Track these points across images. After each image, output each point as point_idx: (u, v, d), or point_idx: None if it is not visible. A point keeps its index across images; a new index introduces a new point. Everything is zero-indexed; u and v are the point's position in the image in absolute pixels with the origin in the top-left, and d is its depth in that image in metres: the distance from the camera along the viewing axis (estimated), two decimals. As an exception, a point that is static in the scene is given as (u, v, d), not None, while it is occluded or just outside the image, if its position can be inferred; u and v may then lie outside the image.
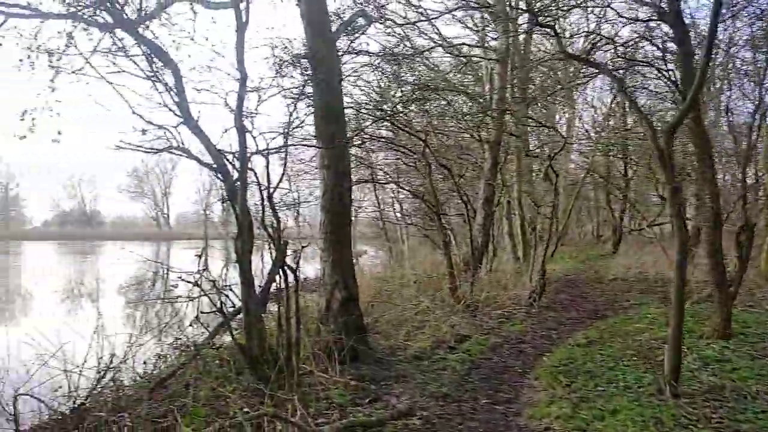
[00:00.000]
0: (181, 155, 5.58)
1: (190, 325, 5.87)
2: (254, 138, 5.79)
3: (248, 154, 5.57)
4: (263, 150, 5.87)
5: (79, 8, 6.99)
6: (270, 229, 6.01)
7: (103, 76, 5.69)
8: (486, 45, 14.80)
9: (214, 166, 5.58)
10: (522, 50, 16.33)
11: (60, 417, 5.04)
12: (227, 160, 5.59)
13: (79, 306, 16.89)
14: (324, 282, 7.25)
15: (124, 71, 5.62)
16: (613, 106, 19.51)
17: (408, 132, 11.32)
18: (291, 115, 6.30)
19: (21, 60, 7.88)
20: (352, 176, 7.87)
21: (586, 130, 19.95)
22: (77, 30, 7.10)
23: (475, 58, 14.83)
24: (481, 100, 14.21)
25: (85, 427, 4.58)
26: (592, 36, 10.39)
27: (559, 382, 5.93)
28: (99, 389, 5.33)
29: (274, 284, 6.23)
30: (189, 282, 5.62)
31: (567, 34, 13.83)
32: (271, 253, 6.19)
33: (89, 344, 5.70)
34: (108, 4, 5.99)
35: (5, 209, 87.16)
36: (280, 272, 6.14)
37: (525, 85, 14.75)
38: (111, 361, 5.41)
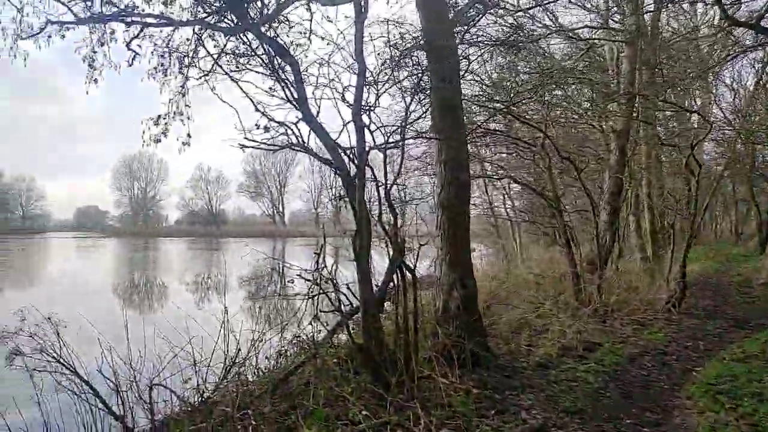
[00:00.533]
0: (300, 152, 5.53)
1: (309, 323, 5.82)
2: (371, 133, 5.61)
3: (366, 150, 5.37)
4: (381, 145, 5.67)
5: (206, 14, 7.33)
6: (387, 227, 5.79)
7: (230, 75, 5.79)
8: (610, 27, 13.60)
9: (332, 162, 5.46)
10: (649, 31, 14.83)
11: (189, 409, 5.20)
12: (346, 155, 5.46)
13: (206, 298, 18.13)
14: (440, 281, 6.92)
15: (249, 69, 5.69)
16: (758, 88, 17.22)
17: (528, 123, 10.64)
18: (408, 108, 6.04)
19: (155, 67, 8.42)
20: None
21: (726, 117, 17.73)
22: (205, 34, 7.46)
23: (598, 42, 13.67)
24: (601, 88, 13.06)
25: (212, 422, 4.65)
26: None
27: (720, 404, 5.09)
28: (225, 384, 5.43)
29: (391, 283, 6.00)
30: (307, 280, 5.56)
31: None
32: (387, 251, 5.97)
33: (216, 338, 5.86)
34: (235, 7, 6.12)
35: (144, 209, 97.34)
36: (398, 271, 5.92)
37: (656, 67, 13.31)
38: (236, 357, 5.50)
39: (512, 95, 10.70)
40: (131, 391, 5.29)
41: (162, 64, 8.88)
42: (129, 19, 7.38)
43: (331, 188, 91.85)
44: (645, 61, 12.07)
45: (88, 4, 7.30)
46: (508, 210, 21.03)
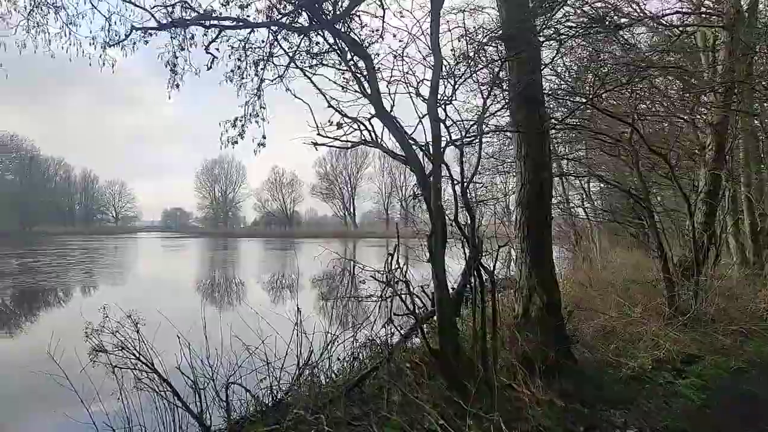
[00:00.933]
0: (374, 148, 5.37)
1: (383, 326, 5.64)
2: (447, 128, 5.33)
3: (442, 145, 5.12)
4: (457, 140, 5.40)
5: (280, 15, 7.40)
6: (463, 227, 5.51)
7: (304, 72, 5.74)
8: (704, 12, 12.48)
9: (406, 158, 5.25)
10: (746, 15, 13.49)
11: (263, 409, 5.17)
12: (421, 150, 5.23)
13: (280, 297, 18.54)
14: (520, 285, 6.53)
15: (324, 64, 5.61)
16: None
17: (615, 117, 9.91)
18: (485, 101, 5.71)
19: (232, 70, 8.61)
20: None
21: None
22: (280, 35, 7.55)
23: (690, 29, 12.59)
24: (695, 77, 12.00)
25: (286, 424, 4.57)
26: None
27: None
28: (297, 385, 5.37)
29: (467, 286, 5.71)
30: (380, 281, 5.38)
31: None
32: (464, 253, 5.68)
33: (289, 338, 5.82)
34: (310, 6, 6.08)
35: (224, 211, 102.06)
36: (474, 273, 5.61)
37: (757, 53, 12.03)
38: (308, 358, 5.42)
39: (595, 88, 10.02)
40: (209, 389, 5.36)
41: (239, 67, 9.09)
42: (207, 23, 7.57)
43: (401, 188, 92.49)
44: (745, 47, 10.94)
45: (170, 9, 7.56)
46: (587, 210, 19.98)
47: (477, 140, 5.59)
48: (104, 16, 7.95)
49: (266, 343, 5.98)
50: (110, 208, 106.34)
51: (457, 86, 5.40)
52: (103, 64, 8.01)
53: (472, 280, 5.62)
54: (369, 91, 5.15)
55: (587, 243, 20.28)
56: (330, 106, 5.31)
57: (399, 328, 5.66)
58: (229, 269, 31.46)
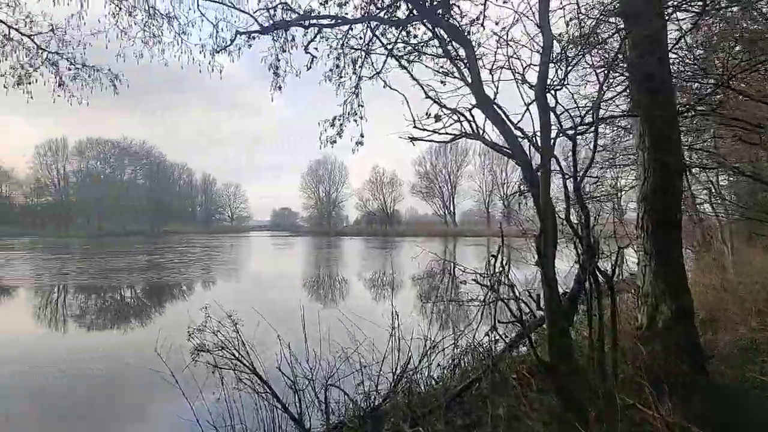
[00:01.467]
0: (476, 140, 4.98)
1: (486, 334, 5.23)
2: (558, 116, 4.80)
3: (552, 137, 4.61)
4: (569, 128, 4.84)
5: (378, 10, 7.29)
6: (576, 225, 4.94)
7: (401, 63, 5.50)
8: None
9: (511, 151, 4.80)
10: None
11: (362, 414, 5.00)
12: (529, 142, 4.76)
13: (381, 296, 18.57)
14: (643, 291, 5.80)
15: (422, 53, 5.34)
16: None
17: (758, 100, 8.61)
18: (602, 86, 5.08)
19: (331, 69, 8.66)
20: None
21: None
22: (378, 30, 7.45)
23: None
24: None
25: (383, 433, 4.35)
26: None
27: None
28: (395, 393, 5.13)
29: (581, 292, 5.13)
30: (484, 285, 4.98)
31: None
32: (577, 254, 5.11)
33: (387, 342, 5.61)
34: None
35: (328, 210, 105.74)
36: (590, 278, 5.03)
37: None
38: (407, 364, 5.16)
39: (729, 68, 8.78)
40: (307, 390, 5.30)
41: (337, 66, 9.12)
42: (307, 23, 7.65)
43: (503, 185, 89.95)
44: None
45: (272, 12, 7.72)
46: (715, 206, 17.86)
47: (592, 129, 4.99)
48: (212, 23, 8.31)
49: (364, 345, 5.86)
50: (226, 209, 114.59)
51: (569, 69, 4.84)
52: (212, 69, 8.42)
53: (587, 285, 5.03)
54: (470, 79, 4.77)
55: (717, 243, 18.17)
56: (428, 96, 5.00)
57: (503, 336, 5.22)
58: (332, 267, 32.34)
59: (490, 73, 4.90)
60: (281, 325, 6.00)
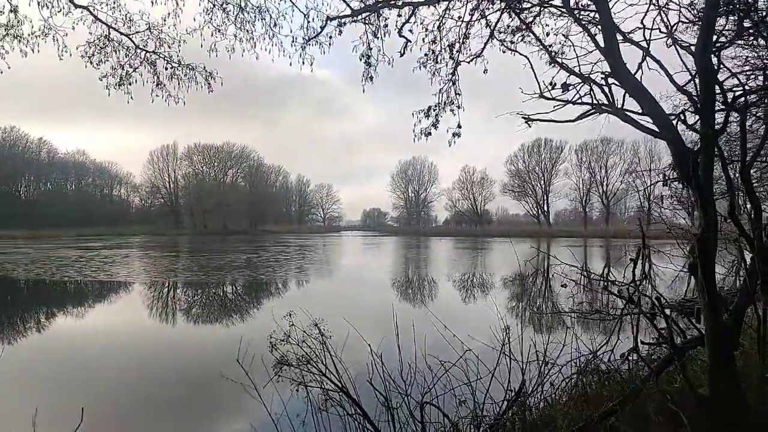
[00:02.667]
0: (613, 115, 4.03)
1: (625, 357, 4.27)
2: (721, 84, 3.75)
3: (716, 109, 3.58)
4: (739, 97, 3.77)
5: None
6: (745, 221, 3.87)
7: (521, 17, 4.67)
8: None
9: (659, 128, 3.81)
10: None
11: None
12: (680, 119, 3.77)
13: (478, 300, 17.63)
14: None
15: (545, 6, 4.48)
16: None
17: None
18: None
19: (426, 54, 8.05)
20: None
21: None
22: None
23: None
24: None
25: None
26: None
27: None
28: (505, 419, 4.33)
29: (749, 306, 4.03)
30: (620, 297, 4.04)
31: None
32: (740, 260, 4.03)
33: (497, 359, 4.82)
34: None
35: (417, 210, 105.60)
36: (759, 287, 3.93)
37: None
38: (520, 390, 4.34)
39: None
40: (402, 408, 4.68)
41: (432, 51, 8.49)
42: (400, 2, 7.10)
43: (601, 184, 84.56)
44: None
45: (364, -5, 7.28)
46: None
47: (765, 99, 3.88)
48: (302, 12, 7.99)
49: (465, 357, 5.15)
50: (319, 209, 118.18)
51: (742, 20, 3.77)
52: (302, 63, 8.14)
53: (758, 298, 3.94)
54: (603, 42, 3.86)
55: None
56: (554, 61, 4.14)
57: (643, 359, 4.24)
58: (422, 268, 31.70)
59: (627, 36, 3.95)
60: (373, 332, 5.42)
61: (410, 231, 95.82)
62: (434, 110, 7.93)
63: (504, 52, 7.61)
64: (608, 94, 3.88)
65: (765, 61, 3.96)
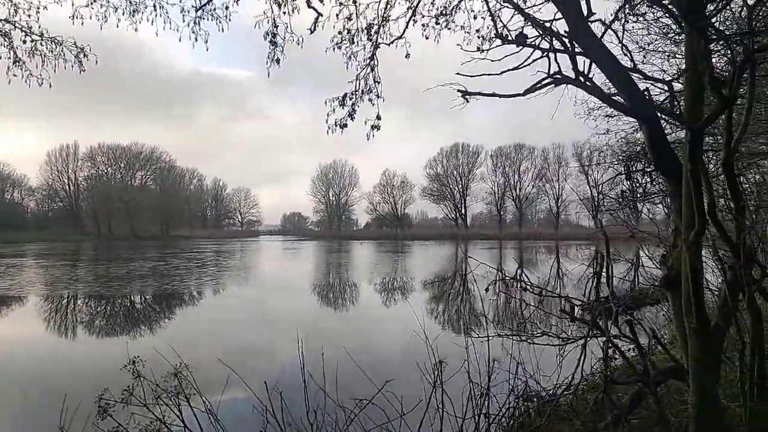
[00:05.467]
0: (576, 86, 3.14)
1: (592, 402, 3.42)
2: (707, 53, 2.96)
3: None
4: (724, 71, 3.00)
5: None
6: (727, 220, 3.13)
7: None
8: None
9: (631, 105, 2.98)
10: None
11: None
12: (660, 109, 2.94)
13: (399, 319, 16.81)
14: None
15: None
16: None
17: None
18: (754, 7, 3.25)
19: (339, 32, 7.24)
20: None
21: None
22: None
23: None
24: None
25: None
26: None
27: None
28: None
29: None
30: (582, 322, 3.18)
31: None
32: (720, 266, 3.31)
33: (429, 397, 3.84)
34: None
35: (338, 214, 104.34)
36: (744, 300, 3.21)
37: None
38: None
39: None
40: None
41: (348, 30, 7.61)
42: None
43: (515, 188, 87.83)
44: None
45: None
46: None
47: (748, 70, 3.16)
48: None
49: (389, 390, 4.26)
50: (236, 213, 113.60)
51: None
52: (195, 39, 7.24)
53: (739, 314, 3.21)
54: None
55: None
56: (507, 1, 3.19)
57: (615, 404, 3.39)
58: (342, 273, 30.61)
59: None
60: (277, 361, 4.32)
61: (331, 235, 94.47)
62: (350, 98, 7.08)
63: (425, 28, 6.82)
64: (573, 55, 2.99)
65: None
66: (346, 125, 6.83)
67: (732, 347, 3.18)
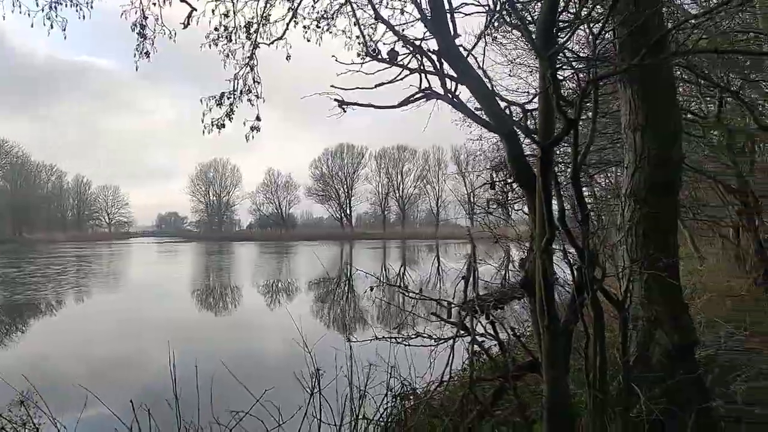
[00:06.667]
0: (447, 103, 3.27)
1: (460, 399, 3.61)
2: (555, 79, 3.26)
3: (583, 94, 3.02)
4: (572, 95, 3.34)
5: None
6: (573, 230, 3.49)
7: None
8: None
9: (494, 121, 3.20)
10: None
11: None
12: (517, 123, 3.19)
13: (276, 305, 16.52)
14: (633, 313, 4.52)
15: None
16: None
17: (706, 80, 7.80)
18: (596, 37, 3.63)
19: (216, 28, 7.00)
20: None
21: None
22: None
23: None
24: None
25: None
26: None
27: None
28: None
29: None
30: (446, 321, 3.36)
31: None
32: (570, 267, 3.67)
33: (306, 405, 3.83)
34: None
35: (219, 214, 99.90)
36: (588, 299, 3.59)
37: None
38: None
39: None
40: None
41: (225, 27, 7.36)
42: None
43: (398, 188, 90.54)
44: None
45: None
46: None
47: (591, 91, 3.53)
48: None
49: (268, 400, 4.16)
50: (103, 214, 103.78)
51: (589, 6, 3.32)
52: (51, 26, 6.45)
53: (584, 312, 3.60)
54: (429, 12, 3.11)
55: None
56: (379, 18, 3.24)
57: (480, 401, 3.62)
58: (224, 276, 29.40)
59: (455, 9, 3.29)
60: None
61: (212, 236, 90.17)
62: (228, 98, 6.80)
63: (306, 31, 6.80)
64: (443, 74, 3.14)
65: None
66: (224, 126, 6.57)
67: (579, 340, 3.54)
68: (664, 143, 4.24)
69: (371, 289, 4.53)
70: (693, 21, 5.26)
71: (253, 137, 6.49)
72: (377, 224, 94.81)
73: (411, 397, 4.41)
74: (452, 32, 3.00)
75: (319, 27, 6.87)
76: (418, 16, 3.13)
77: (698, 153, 10.60)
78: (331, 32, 6.89)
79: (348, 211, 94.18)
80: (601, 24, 3.71)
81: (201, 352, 9.34)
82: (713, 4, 5.88)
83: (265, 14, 7.09)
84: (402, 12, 3.33)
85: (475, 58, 3.30)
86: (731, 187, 8.28)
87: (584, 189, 13.08)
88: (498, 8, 3.27)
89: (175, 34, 6.68)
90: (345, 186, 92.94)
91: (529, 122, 3.84)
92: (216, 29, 6.59)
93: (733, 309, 7.81)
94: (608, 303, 3.77)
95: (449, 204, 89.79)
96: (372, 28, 3.57)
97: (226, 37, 6.84)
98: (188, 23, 6.52)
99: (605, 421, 3.36)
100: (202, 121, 6.39)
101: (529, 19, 3.42)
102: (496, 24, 3.52)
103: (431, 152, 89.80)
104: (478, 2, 3.50)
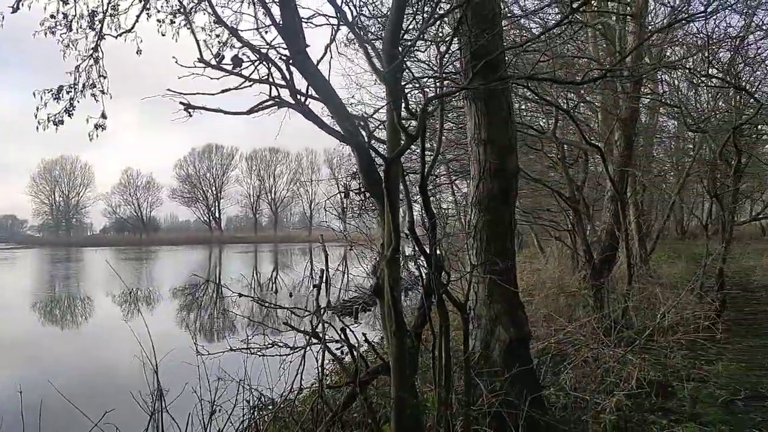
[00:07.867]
0: (297, 112, 3.25)
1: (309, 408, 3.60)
2: (403, 92, 3.42)
3: (425, 108, 3.14)
4: (432, 100, 3.47)
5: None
6: (421, 236, 3.69)
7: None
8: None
9: (347, 132, 3.26)
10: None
11: None
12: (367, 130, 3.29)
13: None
14: (477, 312, 4.90)
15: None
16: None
17: (545, 102, 8.69)
18: (443, 55, 3.88)
19: (52, 15, 6.38)
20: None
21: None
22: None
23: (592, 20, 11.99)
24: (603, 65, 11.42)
25: None
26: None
27: None
28: None
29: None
30: (300, 331, 3.37)
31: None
32: (419, 275, 3.88)
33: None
34: None
35: (66, 217, 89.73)
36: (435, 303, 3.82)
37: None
38: None
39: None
40: None
41: (64, 14, 6.75)
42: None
43: (270, 191, 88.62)
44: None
45: None
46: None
47: (436, 108, 3.78)
48: None
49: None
50: None
51: (426, 24, 3.53)
52: None
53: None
54: (282, 20, 3.08)
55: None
56: (219, 22, 3.12)
57: (328, 404, 3.66)
58: (72, 287, 26.47)
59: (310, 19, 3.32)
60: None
61: (59, 242, 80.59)
62: (68, 92, 6.22)
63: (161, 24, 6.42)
64: (291, 81, 3.13)
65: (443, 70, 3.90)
66: (62, 122, 6.03)
67: (430, 341, 3.75)
68: (501, 156, 4.66)
69: (240, 296, 4.40)
70: (530, 45, 5.83)
71: (97, 136, 6.00)
72: (249, 228, 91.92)
73: (270, 407, 4.34)
74: (302, 42, 3.01)
75: (174, 22, 6.49)
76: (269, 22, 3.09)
77: (540, 164, 11.90)
78: (188, 28, 6.56)
79: (217, 214, 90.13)
80: (446, 44, 3.97)
81: (32, 373, 8.34)
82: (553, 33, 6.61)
83: (113, 3, 6.58)
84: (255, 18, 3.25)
85: (330, 67, 3.35)
86: (565, 196, 9.31)
87: (447, 195, 14.05)
88: (340, 24, 3.33)
89: (3, 18, 5.98)
90: (214, 188, 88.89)
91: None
92: (52, 16, 5.97)
93: (567, 304, 8.78)
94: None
95: (322, 207, 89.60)
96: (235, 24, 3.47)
97: (66, 26, 6.23)
98: (18, 7, 5.81)
99: (449, 417, 3.60)
100: (36, 116, 5.82)
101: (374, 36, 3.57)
102: (346, 39, 3.60)
103: (304, 155, 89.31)
104: (326, 17, 3.55)
